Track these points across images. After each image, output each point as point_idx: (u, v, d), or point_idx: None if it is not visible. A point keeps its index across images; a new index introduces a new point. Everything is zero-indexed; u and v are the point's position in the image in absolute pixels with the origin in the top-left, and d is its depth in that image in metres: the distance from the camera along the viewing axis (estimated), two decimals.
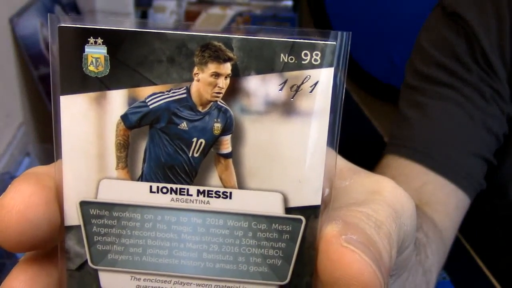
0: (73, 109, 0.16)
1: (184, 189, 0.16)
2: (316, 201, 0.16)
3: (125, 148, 0.16)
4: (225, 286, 0.16)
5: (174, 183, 0.16)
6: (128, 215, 0.16)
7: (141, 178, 0.16)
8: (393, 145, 0.57)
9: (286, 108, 0.16)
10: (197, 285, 0.17)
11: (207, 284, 0.17)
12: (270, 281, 0.16)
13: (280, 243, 0.16)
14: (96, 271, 0.16)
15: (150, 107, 0.16)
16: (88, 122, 0.16)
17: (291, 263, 0.16)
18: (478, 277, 0.58)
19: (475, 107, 0.56)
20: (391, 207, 0.18)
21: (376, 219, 0.17)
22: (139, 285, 0.16)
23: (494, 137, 0.56)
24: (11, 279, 0.16)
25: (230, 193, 0.16)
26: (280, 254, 0.16)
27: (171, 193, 0.16)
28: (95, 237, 0.16)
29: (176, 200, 0.16)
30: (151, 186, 0.16)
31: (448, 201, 0.54)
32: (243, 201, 0.16)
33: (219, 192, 0.16)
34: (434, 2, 0.65)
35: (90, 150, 0.16)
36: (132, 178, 0.16)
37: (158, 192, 0.16)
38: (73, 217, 0.16)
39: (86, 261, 0.16)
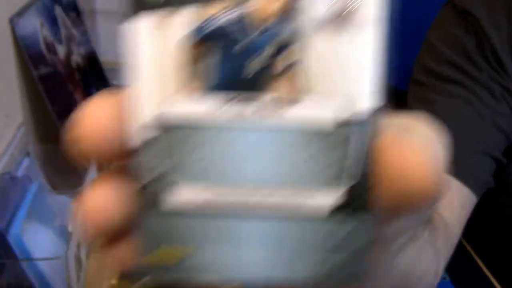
0: (139, 31, 0.17)
1: (249, 102, 0.17)
2: (374, 108, 0.17)
3: (191, 66, 0.17)
4: (290, 193, 0.17)
5: (238, 98, 0.17)
6: (195, 132, 0.17)
7: (206, 95, 0.17)
8: None
9: (345, 17, 0.17)
10: (262, 196, 0.17)
11: (273, 193, 0.17)
12: (333, 185, 0.17)
13: (341, 150, 0.17)
14: (165, 186, 0.17)
15: (213, 25, 0.17)
16: (154, 43, 0.17)
17: (353, 166, 0.17)
18: (478, 277, 0.58)
19: (484, 105, 0.55)
20: None
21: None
22: (207, 198, 0.17)
23: (503, 135, 0.56)
24: (89, 191, 0.17)
25: (293, 103, 0.17)
26: (343, 160, 0.17)
27: (237, 107, 0.17)
28: (164, 153, 0.17)
29: (242, 113, 0.17)
30: (216, 102, 0.17)
31: (453, 199, 0.54)
32: (306, 110, 0.17)
33: (283, 103, 0.17)
34: (431, 4, 0.65)
35: (157, 70, 0.17)
36: (198, 95, 0.17)
37: (223, 107, 0.17)
38: (143, 135, 0.17)
39: (156, 177, 0.17)
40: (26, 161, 0.56)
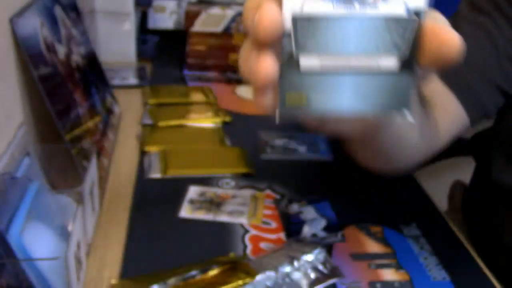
0: None
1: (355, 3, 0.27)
2: (425, 4, 0.28)
3: None
4: (374, 59, 0.28)
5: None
6: (320, 22, 0.27)
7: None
8: None
9: None
10: (356, 60, 0.28)
11: (363, 59, 0.28)
12: (399, 54, 0.28)
13: (407, 31, 0.28)
14: (298, 57, 0.28)
15: None
16: None
17: (409, 46, 0.28)
18: (478, 277, 0.58)
19: (502, 36, 0.59)
20: None
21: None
22: (322, 63, 0.28)
23: None
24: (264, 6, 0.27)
25: (381, 3, 0.27)
26: (404, 40, 0.28)
27: (347, 5, 0.27)
28: (298, 38, 0.28)
29: (348, 8, 0.27)
30: (333, 3, 0.27)
31: (447, 109, 0.60)
32: (389, 7, 0.27)
33: (375, 3, 0.27)
34: (432, 4, 0.66)
35: None
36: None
37: (339, 5, 0.27)
38: (287, 25, 0.27)
39: (293, 52, 0.28)
40: (26, 161, 0.56)
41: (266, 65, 0.27)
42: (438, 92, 0.58)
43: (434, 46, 0.27)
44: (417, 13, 0.27)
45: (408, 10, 0.27)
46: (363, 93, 0.28)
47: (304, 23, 0.27)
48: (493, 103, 0.61)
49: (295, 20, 0.27)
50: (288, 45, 0.28)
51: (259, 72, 0.27)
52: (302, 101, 0.28)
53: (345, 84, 0.28)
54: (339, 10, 0.27)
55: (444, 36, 0.27)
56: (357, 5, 0.27)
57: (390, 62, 0.28)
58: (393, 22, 0.27)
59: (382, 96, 0.28)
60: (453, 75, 0.58)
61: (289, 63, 0.28)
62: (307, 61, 0.28)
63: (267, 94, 0.29)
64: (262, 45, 0.28)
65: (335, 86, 0.28)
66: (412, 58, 0.28)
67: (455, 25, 0.68)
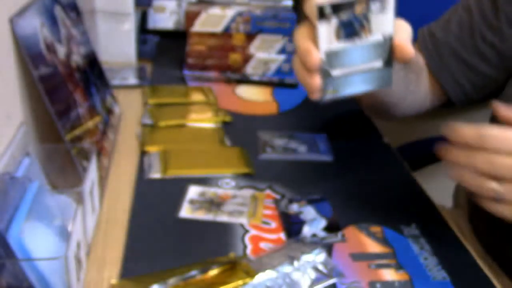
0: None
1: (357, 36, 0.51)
2: (392, 30, 0.50)
3: None
4: (370, 64, 0.51)
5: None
6: (338, 52, 0.50)
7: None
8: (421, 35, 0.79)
9: None
10: (360, 66, 0.51)
11: (362, 65, 0.51)
12: (382, 58, 0.51)
13: (384, 48, 0.51)
14: (330, 71, 0.50)
15: None
16: None
17: (387, 54, 0.51)
18: (478, 277, 0.58)
19: (482, 19, 0.71)
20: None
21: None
22: (343, 71, 0.51)
23: (494, 51, 0.71)
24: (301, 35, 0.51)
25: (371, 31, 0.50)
26: (384, 51, 0.51)
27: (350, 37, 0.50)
28: (329, 62, 0.50)
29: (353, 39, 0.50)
30: (345, 41, 0.50)
31: (424, 75, 0.76)
32: (372, 37, 0.50)
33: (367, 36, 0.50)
34: (431, 3, 0.69)
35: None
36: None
37: (348, 41, 0.50)
38: (323, 55, 0.50)
39: (328, 69, 0.50)
40: (26, 161, 0.56)
41: (315, 80, 0.50)
42: (419, 66, 0.75)
43: (398, 52, 0.51)
44: (389, 36, 0.50)
45: (384, 36, 0.50)
46: (366, 81, 0.52)
47: (331, 54, 0.49)
48: (470, 83, 0.74)
49: (327, 53, 0.49)
50: (324, 65, 0.50)
51: (311, 83, 0.51)
52: (334, 92, 0.51)
53: (356, 79, 0.52)
54: (348, 44, 0.49)
55: (403, 48, 0.51)
56: (357, 40, 0.49)
57: (378, 64, 0.51)
58: (377, 45, 0.50)
59: (376, 81, 0.52)
60: (435, 57, 0.75)
61: (325, 73, 0.50)
62: (335, 72, 0.50)
63: (316, 92, 0.51)
64: (311, 69, 0.50)
65: (351, 81, 0.51)
66: (390, 59, 0.51)
67: (455, 8, 0.78)
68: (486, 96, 0.74)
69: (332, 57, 0.49)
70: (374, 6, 0.48)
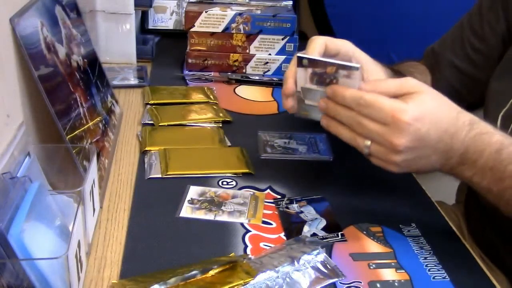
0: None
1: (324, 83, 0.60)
2: (359, 64, 0.57)
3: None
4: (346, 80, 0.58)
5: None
6: (310, 90, 0.61)
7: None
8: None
9: None
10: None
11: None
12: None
13: (351, 80, 0.58)
14: (304, 99, 0.63)
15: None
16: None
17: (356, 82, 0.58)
18: (478, 277, 0.58)
19: (469, 28, 0.81)
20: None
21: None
22: (313, 102, 0.62)
23: (476, 54, 0.80)
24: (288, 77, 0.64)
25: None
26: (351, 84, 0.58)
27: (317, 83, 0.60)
28: (303, 94, 0.62)
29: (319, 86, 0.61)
30: (316, 85, 0.61)
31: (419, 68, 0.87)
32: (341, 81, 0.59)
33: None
34: (431, 3, 0.69)
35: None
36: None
37: (319, 85, 0.60)
38: (299, 88, 0.62)
39: (302, 98, 0.63)
40: (26, 161, 0.57)
41: (287, 102, 0.63)
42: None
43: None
44: (356, 67, 0.57)
45: (351, 66, 0.57)
46: None
47: (305, 90, 0.61)
48: (459, 83, 0.83)
49: (302, 88, 0.61)
50: (299, 94, 0.62)
51: (284, 103, 0.64)
52: (306, 114, 0.64)
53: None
54: (318, 88, 0.60)
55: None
56: (325, 87, 0.59)
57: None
58: (346, 75, 0.58)
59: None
60: (435, 70, 0.85)
61: (300, 100, 0.63)
62: (306, 101, 0.62)
63: (289, 110, 0.64)
64: (284, 94, 0.63)
65: (317, 110, 0.61)
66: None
67: (451, 29, 0.88)
68: (479, 99, 0.80)
69: (306, 91, 0.61)
70: (342, 73, 0.57)
